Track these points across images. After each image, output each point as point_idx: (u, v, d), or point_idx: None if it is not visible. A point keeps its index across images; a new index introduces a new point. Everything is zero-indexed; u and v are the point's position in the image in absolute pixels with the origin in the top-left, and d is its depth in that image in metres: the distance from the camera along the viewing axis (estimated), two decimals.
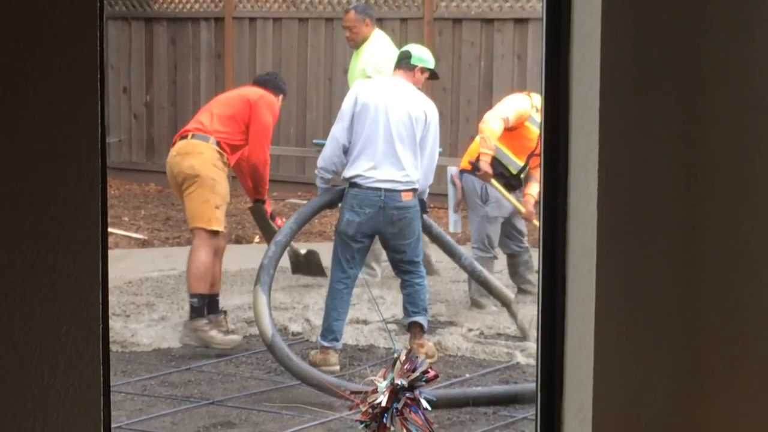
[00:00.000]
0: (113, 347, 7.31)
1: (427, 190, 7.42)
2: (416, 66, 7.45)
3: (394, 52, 8.79)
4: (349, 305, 7.26)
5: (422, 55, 7.58)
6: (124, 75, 13.77)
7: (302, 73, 12.92)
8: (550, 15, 2.31)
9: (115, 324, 7.67)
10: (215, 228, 7.48)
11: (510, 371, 7.22)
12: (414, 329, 7.32)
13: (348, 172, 7.14)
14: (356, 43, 8.86)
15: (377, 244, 7.75)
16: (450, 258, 7.92)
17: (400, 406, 2.54)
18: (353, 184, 7.11)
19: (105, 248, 1.84)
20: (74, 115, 1.77)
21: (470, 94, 12.22)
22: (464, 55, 12.26)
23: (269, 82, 8.05)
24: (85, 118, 1.78)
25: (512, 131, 8.14)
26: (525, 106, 8.09)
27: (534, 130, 7.91)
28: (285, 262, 8.48)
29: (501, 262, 8.63)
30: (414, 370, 2.57)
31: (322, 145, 8.27)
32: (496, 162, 8.23)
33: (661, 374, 2.34)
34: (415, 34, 12.15)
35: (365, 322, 7.89)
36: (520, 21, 12.05)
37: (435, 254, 8.19)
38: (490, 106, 11.83)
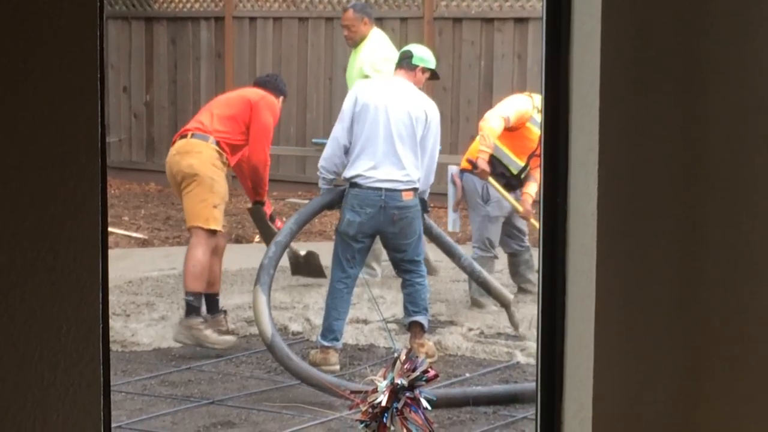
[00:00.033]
0: (113, 347, 7.31)
1: (428, 190, 7.42)
2: (418, 66, 7.45)
3: (392, 51, 8.79)
4: (350, 305, 7.26)
5: (424, 55, 7.58)
6: (124, 74, 13.77)
7: (302, 72, 12.92)
8: (550, 15, 2.31)
9: (115, 323, 7.67)
10: (213, 227, 7.48)
11: (510, 371, 7.22)
12: (414, 329, 7.32)
13: (348, 172, 7.14)
14: (354, 42, 8.87)
15: (377, 244, 7.75)
16: (449, 259, 7.91)
17: (400, 405, 2.54)
18: (354, 184, 7.11)
19: (105, 248, 1.84)
20: (74, 114, 1.77)
21: (470, 93, 12.22)
22: (464, 54, 12.26)
23: (270, 84, 8.06)
24: (85, 117, 1.78)
25: (513, 132, 8.14)
26: (526, 107, 8.09)
27: (535, 130, 7.91)
28: (285, 261, 8.49)
29: (501, 261, 8.64)
30: (414, 370, 2.57)
31: (322, 144, 8.27)
32: (497, 162, 8.23)
33: (661, 374, 2.34)
34: (415, 33, 12.15)
35: (365, 322, 7.89)
36: (521, 20, 12.05)
37: (435, 254, 8.18)
38: (490, 106, 11.83)
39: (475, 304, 8.24)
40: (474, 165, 8.18)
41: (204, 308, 7.59)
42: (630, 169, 2.29)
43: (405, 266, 7.32)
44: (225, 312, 7.81)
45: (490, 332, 7.86)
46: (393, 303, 8.21)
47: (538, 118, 7.58)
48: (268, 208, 8.26)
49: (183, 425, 6.27)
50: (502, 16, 12.16)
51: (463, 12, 12.36)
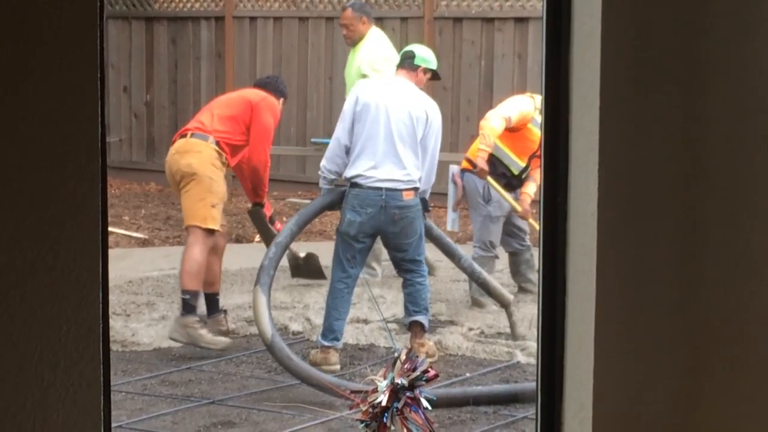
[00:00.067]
0: (114, 346, 7.31)
1: (430, 190, 7.42)
2: (420, 66, 7.46)
3: (390, 50, 8.80)
4: (350, 305, 7.26)
5: (426, 56, 7.59)
6: (124, 74, 13.77)
7: (302, 72, 12.92)
8: (550, 14, 2.31)
9: (115, 323, 7.67)
10: (210, 226, 7.47)
11: (510, 370, 7.22)
12: (415, 328, 7.32)
13: (349, 172, 7.14)
14: (353, 41, 8.87)
15: (378, 244, 7.75)
16: (450, 260, 7.91)
17: (400, 405, 2.54)
18: (354, 184, 7.11)
19: (105, 248, 1.84)
20: (74, 114, 1.77)
21: (471, 93, 12.22)
22: (465, 54, 12.26)
23: (270, 85, 8.07)
24: (85, 117, 1.78)
25: (515, 132, 8.15)
26: (528, 108, 8.09)
27: (536, 132, 7.91)
28: (285, 261, 8.49)
29: (502, 261, 8.64)
30: (414, 370, 2.57)
31: (321, 144, 8.25)
32: (498, 162, 8.23)
33: (661, 374, 2.34)
34: (416, 33, 12.15)
35: (366, 322, 7.90)
36: (521, 20, 12.05)
37: (435, 254, 8.18)
38: (490, 106, 11.83)
39: (476, 303, 8.24)
40: (473, 164, 8.18)
41: (201, 307, 7.58)
42: (630, 169, 2.29)
43: (406, 266, 7.32)
44: (225, 312, 7.81)
45: (490, 332, 7.86)
46: (393, 303, 8.21)
47: (540, 119, 7.60)
48: (268, 210, 8.25)
49: (183, 425, 6.27)
50: (503, 15, 12.16)
51: (463, 12, 12.36)
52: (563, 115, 2.31)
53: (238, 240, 10.51)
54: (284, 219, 10.58)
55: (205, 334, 7.34)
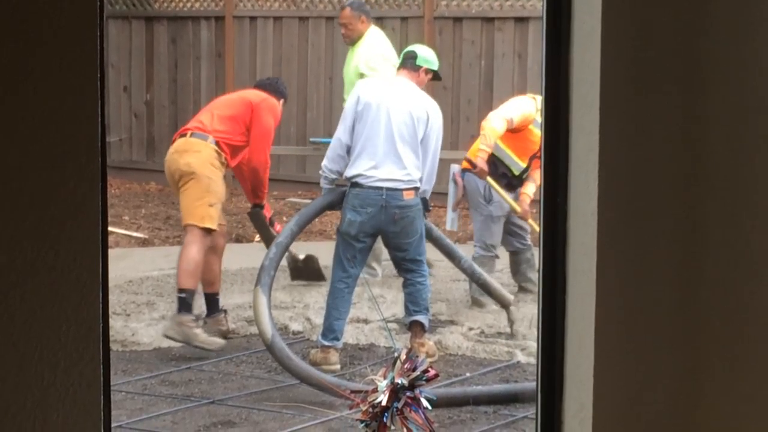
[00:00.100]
0: (114, 346, 7.31)
1: (431, 190, 7.42)
2: (421, 67, 7.47)
3: (388, 49, 8.81)
4: (350, 304, 7.26)
5: (428, 56, 7.60)
6: (124, 74, 13.77)
7: (303, 72, 12.92)
8: (550, 14, 2.31)
9: (115, 323, 7.67)
10: (208, 226, 7.47)
11: (510, 370, 7.22)
12: (415, 328, 7.32)
13: (349, 172, 7.14)
14: (352, 40, 8.88)
15: (378, 244, 7.75)
16: (450, 261, 7.91)
17: (400, 405, 2.55)
18: (355, 184, 7.11)
19: (105, 247, 1.84)
20: (74, 114, 1.78)
21: (471, 93, 12.22)
22: (465, 54, 12.26)
23: (271, 86, 8.07)
24: (85, 117, 1.78)
25: (516, 133, 8.15)
26: (530, 109, 8.08)
27: (537, 132, 7.91)
28: (285, 261, 8.48)
29: (502, 261, 8.64)
30: (414, 369, 2.57)
31: (319, 143, 8.22)
32: (499, 162, 8.23)
33: (661, 374, 2.34)
34: (416, 32, 12.15)
35: (366, 321, 7.90)
36: (521, 20, 12.05)
37: (434, 254, 8.17)
38: (490, 105, 11.83)
39: (476, 303, 8.25)
40: (473, 164, 8.18)
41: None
42: (630, 168, 2.29)
43: (406, 265, 7.33)
44: (225, 311, 7.81)
45: (490, 332, 7.86)
46: (393, 302, 8.21)
47: (540, 119, 7.60)
48: (268, 212, 8.25)
49: (183, 425, 6.27)
50: (503, 15, 12.16)
51: (463, 11, 12.36)
52: (563, 114, 2.31)
53: (238, 240, 10.52)
54: (284, 219, 10.59)
55: (199, 334, 7.32)
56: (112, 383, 1.91)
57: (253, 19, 13.27)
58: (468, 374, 7.14)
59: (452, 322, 8.02)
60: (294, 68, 12.92)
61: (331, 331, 7.10)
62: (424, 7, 12.39)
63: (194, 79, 13.51)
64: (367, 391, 2.59)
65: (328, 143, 8.41)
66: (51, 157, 1.76)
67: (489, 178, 8.17)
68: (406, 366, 2.57)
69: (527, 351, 7.35)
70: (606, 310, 2.28)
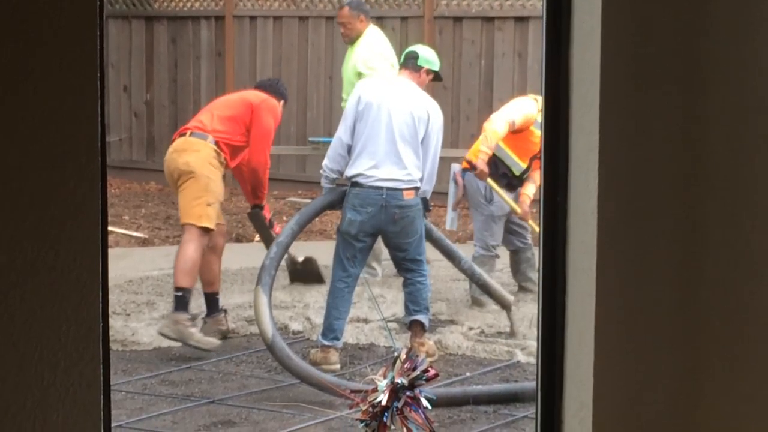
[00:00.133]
0: (114, 346, 7.31)
1: (431, 190, 7.42)
2: (423, 67, 7.48)
3: (386, 48, 8.81)
4: (351, 304, 7.26)
5: (429, 57, 7.61)
6: (124, 73, 13.77)
7: (302, 71, 12.92)
8: (550, 13, 2.31)
9: (115, 323, 7.67)
10: (205, 225, 7.46)
11: (510, 370, 7.22)
12: (415, 327, 7.32)
13: (350, 171, 7.14)
14: (351, 39, 8.89)
15: (378, 243, 7.75)
16: (450, 262, 7.91)
17: (400, 404, 2.55)
18: (355, 183, 7.12)
19: (105, 247, 1.84)
20: (74, 114, 1.78)
21: (471, 92, 12.22)
22: (465, 53, 12.26)
23: (272, 87, 8.08)
24: (85, 117, 1.78)
25: (517, 134, 8.15)
26: (532, 111, 8.08)
27: (538, 133, 7.89)
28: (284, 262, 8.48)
29: (502, 260, 8.64)
30: (414, 369, 2.57)
31: (318, 143, 8.20)
32: (499, 163, 8.23)
33: (661, 374, 2.34)
34: (416, 32, 12.16)
35: (366, 321, 7.89)
36: (521, 19, 12.05)
37: (433, 253, 8.17)
38: (490, 105, 11.85)
39: (476, 303, 8.25)
40: (473, 166, 8.18)
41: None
42: (630, 168, 2.29)
43: (406, 265, 7.33)
44: (225, 311, 7.81)
45: (490, 331, 7.86)
46: (393, 302, 8.21)
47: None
48: (267, 213, 8.25)
49: (183, 424, 6.27)
50: (503, 14, 12.16)
51: (463, 11, 12.36)
52: (563, 114, 2.31)
53: (238, 239, 10.51)
54: (284, 218, 10.60)
55: (195, 333, 7.30)
56: (112, 383, 1.91)
57: (253, 18, 13.27)
58: (468, 374, 7.13)
59: (452, 322, 8.02)
60: (294, 68, 12.92)
61: (331, 330, 7.10)
62: (424, 7, 12.39)
63: (194, 78, 13.51)
64: (367, 391, 2.59)
65: (327, 143, 8.41)
66: (51, 157, 1.77)
67: (489, 180, 8.17)
68: (406, 365, 2.57)
69: (527, 350, 7.35)
70: (606, 310, 2.28)
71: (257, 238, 9.71)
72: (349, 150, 7.18)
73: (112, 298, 8.08)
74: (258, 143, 7.72)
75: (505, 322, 7.85)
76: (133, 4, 13.92)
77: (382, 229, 7.16)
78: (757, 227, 2.36)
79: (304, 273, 8.76)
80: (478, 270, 7.83)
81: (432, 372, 2.59)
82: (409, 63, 7.50)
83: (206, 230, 7.47)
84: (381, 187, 7.07)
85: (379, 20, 11.20)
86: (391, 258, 7.65)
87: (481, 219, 8.36)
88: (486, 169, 8.11)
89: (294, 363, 6.59)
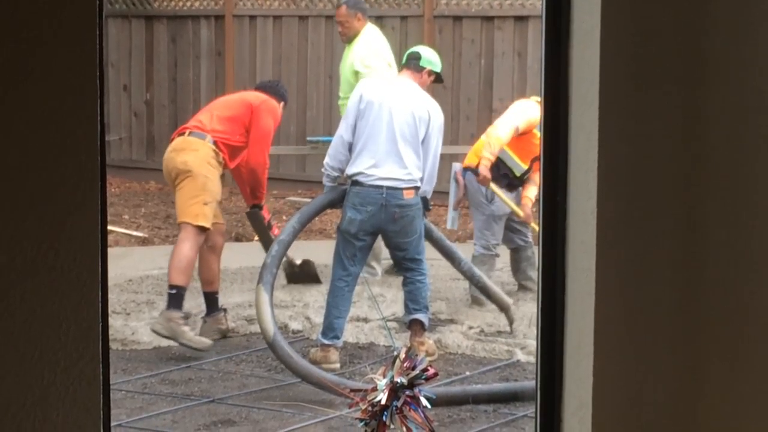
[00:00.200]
0: (114, 345, 7.31)
1: (431, 190, 7.42)
2: (425, 68, 7.49)
3: (383, 47, 8.81)
4: (351, 303, 7.27)
5: (431, 58, 7.62)
6: (124, 73, 13.77)
7: (302, 70, 12.92)
8: (550, 13, 2.31)
9: (115, 322, 7.67)
10: (201, 224, 7.46)
11: (510, 369, 7.22)
12: (415, 327, 7.32)
13: (350, 170, 7.15)
14: (348, 38, 8.89)
15: (378, 243, 7.75)
16: (449, 263, 7.90)
17: (399, 404, 2.54)
18: (355, 182, 7.12)
19: (105, 246, 1.84)
20: (74, 113, 1.78)
21: (470, 92, 12.22)
22: (464, 52, 12.26)
23: (272, 88, 8.09)
24: (85, 116, 1.79)
25: (520, 137, 8.17)
26: (535, 114, 8.08)
27: (539, 136, 7.91)
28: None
29: (502, 260, 8.64)
30: (414, 368, 2.57)
31: (317, 143, 8.18)
32: (500, 163, 8.24)
33: (661, 373, 2.34)
34: (415, 31, 12.16)
35: (365, 320, 7.90)
36: (521, 18, 12.05)
37: (431, 252, 8.18)
38: (490, 104, 11.86)
39: (476, 302, 8.25)
40: (476, 172, 8.19)
41: (185, 304, 7.53)
42: (630, 167, 2.29)
43: (406, 264, 7.33)
44: (225, 310, 7.81)
45: (490, 330, 7.86)
46: (393, 301, 8.21)
47: None
48: (266, 214, 8.24)
49: (183, 424, 6.27)
50: (502, 14, 12.16)
51: (463, 10, 12.35)
52: (563, 113, 2.31)
53: (238, 239, 10.51)
54: (284, 217, 10.60)
55: (187, 332, 7.29)
56: (111, 382, 1.91)
57: (252, 18, 13.27)
58: (468, 373, 7.14)
59: (452, 321, 8.02)
60: (294, 67, 12.92)
61: (331, 329, 7.10)
62: (424, 6, 12.39)
63: (194, 78, 13.51)
64: (366, 390, 2.59)
65: (325, 142, 8.41)
66: (51, 157, 1.77)
67: (492, 185, 8.17)
68: (405, 365, 2.57)
69: (527, 350, 7.36)
70: (605, 309, 2.28)
71: (257, 237, 9.72)
72: (350, 148, 7.19)
73: (112, 297, 8.08)
74: (257, 144, 7.72)
75: (505, 321, 7.85)
76: (133, 4, 13.91)
77: (382, 228, 7.17)
78: (757, 227, 2.36)
79: (302, 275, 8.76)
80: (478, 272, 7.84)
81: (431, 371, 2.59)
82: (412, 63, 7.51)
83: (202, 229, 7.47)
84: (381, 186, 7.07)
85: (379, 19, 11.20)
86: (391, 257, 7.65)
87: (482, 218, 8.36)
88: (489, 175, 8.13)
89: (295, 361, 6.60)
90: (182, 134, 7.72)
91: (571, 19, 2.28)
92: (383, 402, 2.54)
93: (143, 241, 10.75)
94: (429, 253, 7.93)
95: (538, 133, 8.44)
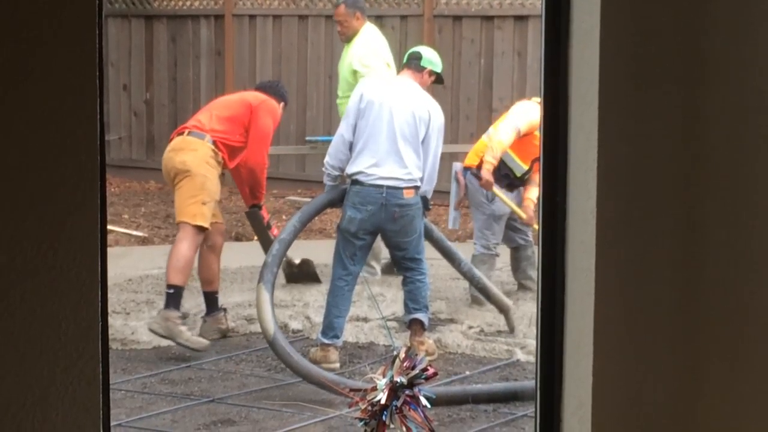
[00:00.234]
0: (113, 345, 7.31)
1: (431, 190, 7.42)
2: (425, 68, 7.49)
3: (382, 46, 8.81)
4: (350, 302, 7.27)
5: (432, 59, 7.62)
6: (124, 72, 13.77)
7: (302, 70, 12.92)
8: (549, 12, 2.31)
9: (115, 322, 7.67)
10: (200, 223, 7.46)
11: (510, 368, 7.23)
12: (414, 326, 7.32)
13: (350, 169, 7.15)
14: (347, 37, 8.89)
15: (378, 242, 7.76)
16: (449, 263, 7.90)
17: (399, 403, 2.54)
18: (355, 181, 7.13)
19: (104, 246, 1.84)
20: (74, 113, 1.78)
21: (470, 91, 12.22)
22: (464, 52, 12.26)
23: (271, 89, 8.09)
24: (85, 116, 1.79)
25: (521, 138, 8.17)
26: (537, 116, 8.08)
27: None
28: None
29: (502, 259, 8.64)
30: (413, 368, 2.56)
31: (316, 142, 8.17)
32: (501, 164, 8.24)
33: (661, 373, 2.34)
34: (415, 31, 12.15)
35: (365, 320, 7.90)
36: (520, 18, 12.05)
37: (431, 252, 8.18)
38: (490, 104, 11.86)
39: (476, 302, 8.25)
40: (478, 176, 8.19)
41: (183, 303, 7.53)
42: (629, 167, 2.29)
43: (406, 264, 7.34)
44: (225, 310, 7.81)
45: (490, 330, 7.86)
46: (393, 301, 8.21)
47: None
48: (266, 214, 8.24)
49: (183, 423, 6.27)
50: (502, 13, 12.16)
51: (463, 10, 12.35)
52: (562, 113, 2.31)
53: (238, 238, 10.51)
54: (284, 217, 10.60)
55: (184, 331, 7.28)
56: (111, 381, 1.92)
57: (252, 17, 13.27)
58: (467, 372, 7.14)
59: (452, 321, 8.02)
60: (293, 67, 12.92)
61: (331, 329, 7.10)
62: (424, 6, 12.39)
63: (194, 77, 13.51)
64: (366, 390, 2.59)
65: (325, 141, 8.41)
66: (50, 156, 1.77)
67: (495, 189, 8.18)
68: (405, 364, 2.56)
69: (527, 349, 7.36)
70: (605, 309, 2.28)
71: (256, 237, 9.72)
72: (351, 147, 7.19)
73: (112, 296, 8.08)
74: (256, 144, 7.72)
75: (504, 321, 7.85)
76: (133, 3, 13.91)
77: (382, 227, 7.17)
78: (757, 227, 2.36)
79: (301, 275, 8.76)
80: (478, 273, 7.84)
81: (431, 371, 2.59)
82: (413, 63, 7.52)
83: (201, 229, 7.47)
84: (381, 186, 7.08)
85: (379, 19, 11.20)
86: (391, 257, 7.65)
87: (482, 218, 8.36)
88: (491, 179, 8.14)
89: (295, 361, 6.60)
90: (181, 134, 7.72)
91: (570, 18, 2.28)
92: (383, 401, 2.54)
93: (143, 241, 10.74)
94: (429, 252, 7.93)
95: (538, 134, 8.48)
